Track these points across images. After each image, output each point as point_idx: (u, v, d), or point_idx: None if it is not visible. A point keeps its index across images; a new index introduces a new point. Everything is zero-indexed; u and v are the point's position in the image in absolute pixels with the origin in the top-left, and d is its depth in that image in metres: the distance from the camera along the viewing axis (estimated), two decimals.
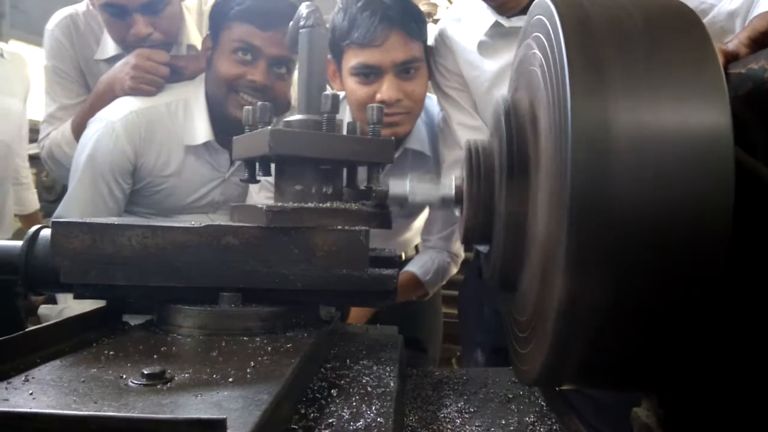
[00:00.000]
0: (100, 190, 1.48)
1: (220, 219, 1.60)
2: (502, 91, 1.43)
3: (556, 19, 0.62)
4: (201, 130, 1.53)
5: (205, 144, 1.53)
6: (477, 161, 0.75)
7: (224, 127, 1.51)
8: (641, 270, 0.56)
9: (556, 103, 0.60)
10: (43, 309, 1.55)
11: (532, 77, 0.70)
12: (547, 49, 0.65)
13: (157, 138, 1.51)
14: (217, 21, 1.50)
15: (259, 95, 1.43)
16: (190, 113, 1.54)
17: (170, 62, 1.61)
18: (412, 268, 1.74)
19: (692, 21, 0.63)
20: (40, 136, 1.78)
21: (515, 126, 0.72)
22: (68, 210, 1.49)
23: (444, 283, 1.86)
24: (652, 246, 0.56)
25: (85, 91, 1.77)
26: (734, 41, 0.78)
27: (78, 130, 1.63)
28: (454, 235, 1.75)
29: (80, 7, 1.78)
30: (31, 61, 2.22)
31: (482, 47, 1.45)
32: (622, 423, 0.82)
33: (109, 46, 1.72)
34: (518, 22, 1.37)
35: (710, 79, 0.57)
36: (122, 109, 1.51)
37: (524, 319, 0.72)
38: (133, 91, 1.55)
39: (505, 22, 1.39)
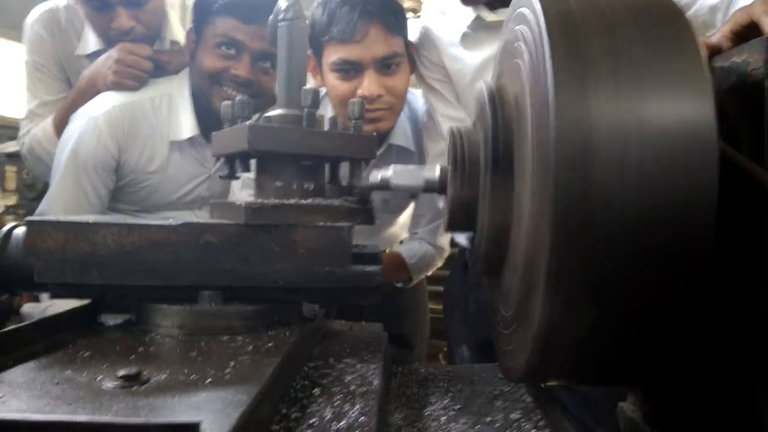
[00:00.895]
0: (83, 186, 1.46)
1: (206, 215, 1.59)
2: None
3: (538, 11, 0.61)
4: (186, 125, 1.51)
5: (190, 139, 1.51)
6: (461, 146, 0.75)
7: (209, 122, 1.49)
8: (624, 268, 0.56)
9: (539, 96, 0.59)
10: (27, 308, 1.52)
11: (516, 70, 0.69)
12: (530, 41, 0.64)
13: (141, 133, 1.49)
14: (200, 14, 1.47)
15: (244, 89, 1.41)
16: (174, 108, 1.52)
17: (153, 56, 1.58)
18: (399, 249, 1.73)
19: (676, 14, 0.63)
20: (21, 133, 1.74)
21: (500, 113, 0.71)
22: (50, 207, 1.46)
23: (428, 274, 1.86)
24: (634, 243, 0.55)
25: (66, 87, 1.73)
26: (717, 35, 0.78)
27: (59, 126, 1.60)
28: (439, 229, 1.75)
29: (60, 2, 1.75)
30: (10, 58, 2.18)
31: (465, 40, 1.44)
32: (610, 418, 0.82)
33: (91, 42, 1.69)
34: (501, 15, 1.36)
35: (694, 72, 0.56)
36: (105, 103, 1.48)
37: (508, 314, 0.72)
38: (116, 86, 1.53)
39: (488, 16, 1.39)
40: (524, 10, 0.67)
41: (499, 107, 0.73)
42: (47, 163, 1.60)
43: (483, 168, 0.72)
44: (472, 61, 1.45)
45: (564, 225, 0.55)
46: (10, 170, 2.89)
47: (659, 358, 0.63)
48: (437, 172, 0.80)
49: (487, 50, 1.40)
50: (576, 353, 0.62)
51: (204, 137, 1.52)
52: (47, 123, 1.67)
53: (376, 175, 0.81)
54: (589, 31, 0.60)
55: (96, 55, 1.65)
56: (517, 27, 0.70)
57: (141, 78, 1.54)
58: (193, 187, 1.59)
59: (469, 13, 1.42)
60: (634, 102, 0.56)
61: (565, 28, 0.60)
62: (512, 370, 0.71)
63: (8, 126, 2.06)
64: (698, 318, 0.59)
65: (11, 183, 2.65)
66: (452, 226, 0.78)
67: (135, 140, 1.49)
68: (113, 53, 1.55)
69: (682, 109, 0.56)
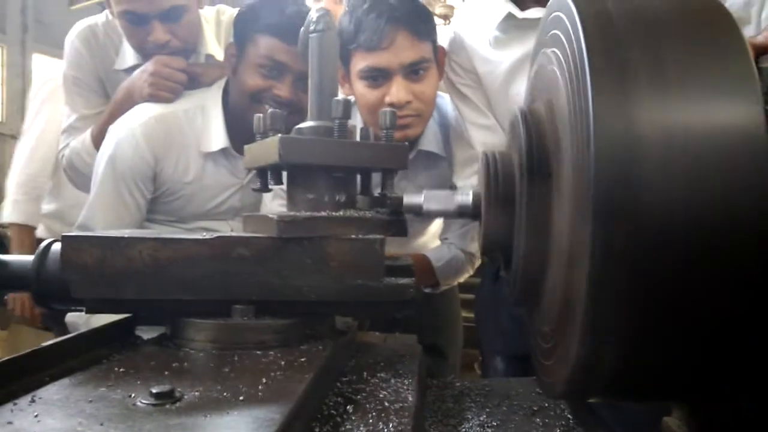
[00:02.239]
0: (122, 195, 1.48)
1: (239, 226, 1.59)
2: (518, 87, 1.43)
3: (575, 15, 0.59)
4: (217, 137, 1.52)
5: (223, 150, 1.53)
6: (495, 169, 0.72)
7: (241, 134, 1.50)
8: (674, 278, 0.53)
9: (577, 105, 0.57)
10: (71, 317, 1.55)
11: (551, 78, 0.67)
12: (566, 47, 0.62)
13: (176, 144, 1.51)
14: (242, 31, 1.48)
15: (284, 108, 1.41)
16: (207, 120, 1.53)
17: (188, 69, 1.60)
18: (426, 253, 1.70)
19: (720, 12, 0.60)
20: (60, 147, 1.79)
21: (534, 131, 0.69)
22: (91, 217, 1.49)
23: (458, 281, 1.82)
24: (685, 253, 0.52)
25: (104, 101, 1.78)
26: (764, 33, 0.75)
27: (98, 138, 1.64)
28: (470, 234, 1.71)
29: (99, 18, 1.80)
30: (55, 74, 2.26)
31: (496, 41, 1.42)
32: None
33: (129, 56, 1.73)
34: (534, 13, 1.34)
35: (742, 73, 0.54)
36: (142, 115, 1.51)
37: (548, 329, 0.69)
38: (152, 98, 1.56)
39: (519, 14, 1.37)
40: (559, 14, 0.65)
41: (533, 127, 0.70)
42: (87, 175, 1.63)
43: (518, 180, 0.69)
44: (502, 63, 1.43)
45: (609, 239, 0.52)
46: None
47: (708, 372, 0.60)
48: (470, 197, 0.77)
49: (518, 51, 1.38)
50: (620, 369, 0.60)
51: (235, 149, 1.53)
52: (86, 136, 1.72)
53: (409, 200, 0.79)
54: (628, 33, 0.58)
55: (133, 69, 1.69)
56: (552, 32, 0.68)
57: (176, 90, 1.57)
58: (227, 198, 1.60)
59: (498, 14, 1.40)
60: (680, 108, 0.54)
61: (603, 32, 0.57)
62: (552, 386, 0.69)
63: None
64: (750, 329, 0.56)
65: None
66: (487, 252, 0.76)
67: (170, 151, 1.51)
68: (149, 66, 1.58)
69: (731, 114, 0.53)
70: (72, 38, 1.78)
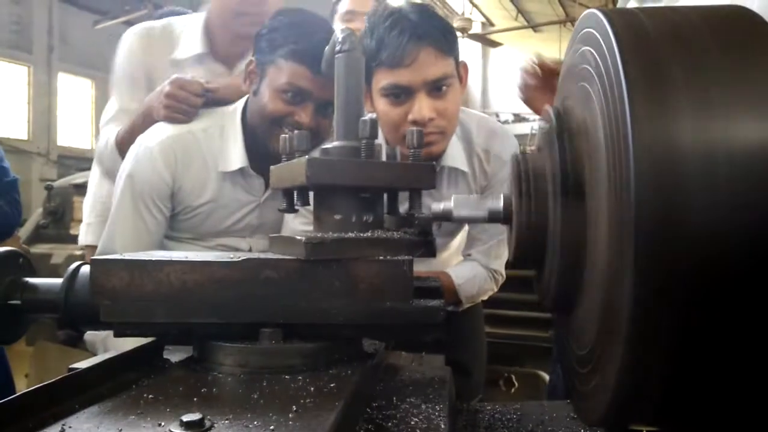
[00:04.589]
0: (141, 213, 1.49)
1: (258, 243, 1.60)
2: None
3: (609, 32, 0.58)
4: (235, 157, 1.52)
5: (241, 170, 1.53)
6: (527, 174, 0.71)
7: (259, 153, 1.50)
8: (722, 298, 0.51)
9: (615, 124, 0.55)
10: (89, 335, 1.55)
11: (585, 93, 0.66)
12: (600, 62, 0.60)
13: (193, 163, 1.52)
14: (266, 52, 1.47)
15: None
16: (225, 139, 1.54)
17: (205, 91, 1.61)
18: (448, 270, 1.68)
19: (759, 24, 0.58)
20: (99, 136, 1.84)
21: (567, 140, 0.68)
22: (112, 234, 1.50)
23: (481, 299, 1.79)
24: (732, 272, 0.50)
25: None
26: None
27: (121, 143, 1.68)
28: (494, 251, 1.69)
29: (158, 23, 1.88)
30: (79, 92, 2.30)
31: None
32: None
33: (190, 46, 1.79)
34: None
35: None
36: (160, 134, 1.52)
37: (584, 353, 0.67)
38: (167, 120, 1.57)
39: None
40: (591, 31, 0.64)
41: (565, 131, 0.69)
42: (111, 178, 1.67)
43: (551, 196, 0.68)
44: None
45: (648, 264, 0.51)
46: (78, 201, 3.01)
47: (751, 404, 0.57)
48: (501, 202, 0.76)
49: None
50: (661, 398, 0.57)
51: (253, 168, 1.53)
52: (111, 139, 1.74)
53: (438, 206, 0.78)
54: (666, 47, 0.56)
55: (194, 59, 1.76)
56: (583, 48, 0.67)
57: (190, 113, 1.57)
58: (243, 215, 1.60)
59: None
60: (721, 125, 0.52)
61: (638, 49, 0.56)
62: (589, 412, 0.66)
63: (76, 157, 2.16)
64: None
65: (79, 213, 2.75)
66: (519, 259, 0.75)
67: (188, 169, 1.52)
68: (166, 87, 1.59)
69: None
70: (129, 35, 1.87)
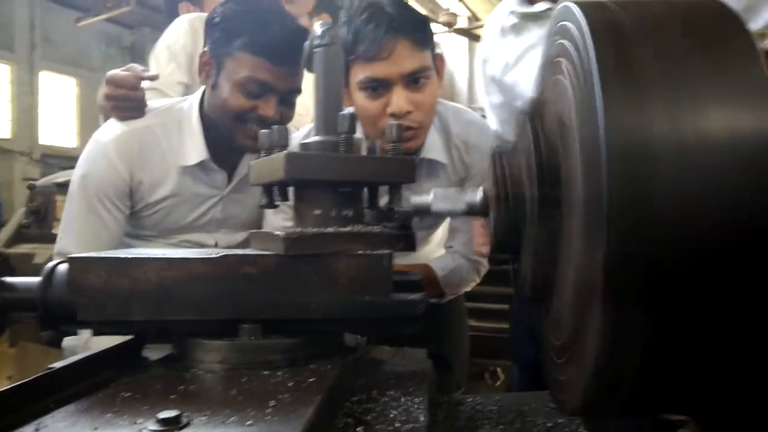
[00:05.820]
0: (98, 212, 1.44)
1: (224, 238, 1.58)
2: (515, 76, 1.55)
3: (583, 26, 0.58)
4: (195, 151, 1.48)
5: (201, 163, 1.50)
6: (502, 168, 0.72)
7: (220, 145, 1.48)
8: (693, 286, 0.52)
9: (587, 112, 0.56)
10: (68, 341, 1.52)
11: (559, 86, 0.66)
12: (574, 56, 0.61)
13: (152, 158, 1.47)
14: (221, 43, 1.41)
15: (268, 127, 1.38)
16: (184, 133, 1.50)
17: (141, 80, 1.56)
18: (430, 262, 1.68)
19: (732, 18, 0.59)
20: None
21: (541, 131, 0.69)
22: (67, 233, 1.46)
23: (464, 290, 1.80)
24: (703, 264, 0.51)
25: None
26: None
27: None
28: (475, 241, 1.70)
29: (204, 15, 1.89)
30: (60, 91, 2.27)
31: (502, 31, 1.58)
32: None
33: None
34: (540, 6, 1.47)
35: (759, 80, 0.52)
36: (115, 129, 1.48)
37: (560, 344, 0.68)
38: (119, 119, 1.52)
39: (521, 9, 1.52)
40: (567, 23, 0.64)
41: (539, 125, 0.70)
42: None
43: (527, 189, 0.69)
44: (504, 53, 1.57)
45: (621, 247, 0.51)
46: (60, 199, 2.98)
47: (725, 389, 0.58)
48: (479, 195, 0.77)
49: (521, 42, 1.54)
50: (637, 386, 0.58)
51: (214, 160, 1.51)
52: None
53: (417, 200, 0.79)
54: (639, 40, 0.57)
55: None
56: (560, 41, 0.67)
57: (139, 107, 1.52)
58: (207, 209, 1.57)
59: (508, 5, 1.56)
60: (693, 115, 0.53)
61: (611, 41, 0.56)
62: (566, 402, 0.67)
63: (60, 156, 2.13)
64: None
65: (61, 212, 2.72)
66: (498, 249, 0.75)
67: (146, 165, 1.47)
68: (104, 88, 1.53)
69: (749, 120, 0.52)
70: (181, 18, 2.04)
